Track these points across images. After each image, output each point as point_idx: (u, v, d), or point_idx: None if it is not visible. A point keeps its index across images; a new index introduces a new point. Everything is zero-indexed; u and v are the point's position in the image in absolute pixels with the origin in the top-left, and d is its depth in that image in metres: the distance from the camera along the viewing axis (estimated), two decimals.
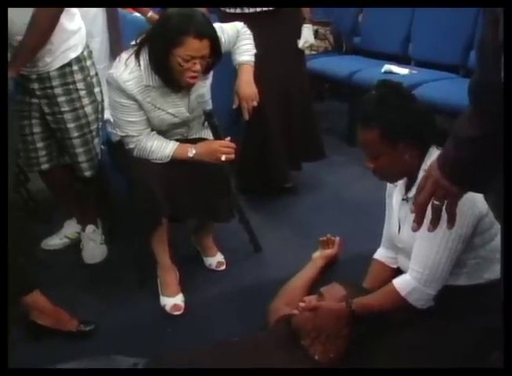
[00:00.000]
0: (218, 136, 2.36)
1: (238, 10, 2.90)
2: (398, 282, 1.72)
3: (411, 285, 1.68)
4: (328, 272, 2.36)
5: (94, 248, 2.76)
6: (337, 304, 1.79)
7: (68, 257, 2.78)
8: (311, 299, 1.87)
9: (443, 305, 1.69)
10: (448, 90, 3.28)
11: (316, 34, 4.23)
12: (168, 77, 2.21)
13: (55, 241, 2.87)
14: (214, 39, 2.19)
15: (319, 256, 2.36)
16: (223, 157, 2.28)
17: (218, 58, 2.27)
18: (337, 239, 2.44)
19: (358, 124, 1.70)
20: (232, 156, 2.30)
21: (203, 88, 2.37)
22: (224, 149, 2.29)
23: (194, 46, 2.12)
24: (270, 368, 1.71)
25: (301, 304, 1.85)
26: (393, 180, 1.82)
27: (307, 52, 3.38)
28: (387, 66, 3.77)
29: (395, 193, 1.86)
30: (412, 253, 1.71)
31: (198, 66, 2.17)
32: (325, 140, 3.39)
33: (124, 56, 2.26)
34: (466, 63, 3.64)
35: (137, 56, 2.22)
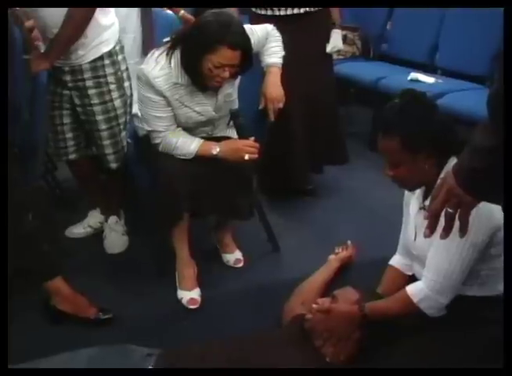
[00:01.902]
0: (242, 136, 2.39)
1: (269, 12, 2.93)
2: (411, 289, 1.72)
3: (423, 292, 1.68)
4: (343, 277, 2.38)
5: (116, 239, 2.82)
6: (349, 307, 1.81)
7: (90, 246, 2.84)
8: (325, 301, 1.89)
9: (455, 315, 1.69)
10: (473, 101, 3.26)
11: (345, 39, 4.23)
12: (197, 78, 2.25)
13: (78, 230, 2.93)
14: (246, 50, 2.22)
15: (334, 258, 2.39)
16: (246, 156, 2.31)
17: (248, 67, 2.30)
18: (349, 242, 2.48)
19: (380, 132, 1.71)
20: (256, 155, 2.33)
21: (231, 88, 2.41)
22: (247, 148, 2.32)
23: (227, 55, 2.16)
24: (279, 366, 1.73)
25: (314, 305, 1.87)
26: (412, 188, 1.82)
27: (334, 56, 3.40)
28: (414, 74, 3.76)
29: (413, 200, 1.86)
30: (427, 260, 1.71)
31: (227, 74, 2.21)
32: (348, 145, 3.39)
33: (156, 52, 2.29)
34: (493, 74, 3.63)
35: (169, 53, 2.26)
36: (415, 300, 1.69)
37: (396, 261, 2.03)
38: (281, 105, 2.49)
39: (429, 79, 3.73)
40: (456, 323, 1.71)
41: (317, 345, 1.83)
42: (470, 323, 1.71)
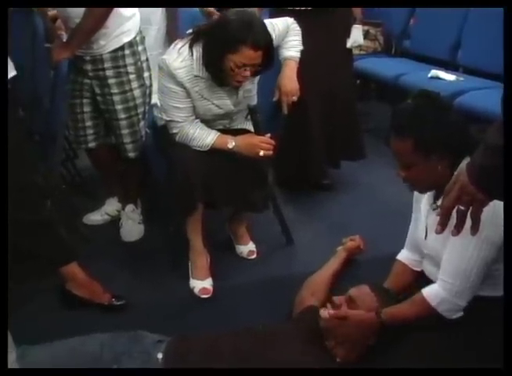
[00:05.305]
0: (258, 132, 2.41)
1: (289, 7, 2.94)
2: (428, 292, 1.70)
3: (441, 296, 1.67)
4: (357, 271, 2.38)
5: (132, 227, 2.85)
6: (366, 314, 1.77)
7: (107, 233, 2.88)
8: (341, 300, 1.86)
9: (465, 315, 1.68)
10: (495, 99, 3.19)
11: (367, 34, 4.23)
12: (218, 76, 2.26)
13: (96, 217, 2.98)
14: (268, 50, 2.22)
15: (341, 248, 2.41)
16: (261, 153, 2.33)
17: (270, 66, 2.30)
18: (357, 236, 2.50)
19: (392, 133, 1.69)
20: (271, 152, 2.35)
21: (251, 84, 2.42)
22: (263, 145, 2.34)
23: (249, 55, 2.16)
24: (287, 359, 1.75)
25: (331, 311, 1.82)
26: (423, 190, 1.80)
27: (356, 51, 3.39)
28: (434, 72, 3.74)
29: (424, 199, 1.85)
30: (442, 262, 1.69)
31: (248, 73, 2.22)
32: (366, 140, 3.39)
33: (179, 43, 2.30)
34: None
35: (191, 46, 2.26)
36: (433, 304, 1.68)
37: (404, 256, 2.02)
38: (295, 98, 2.49)
39: (450, 77, 3.70)
40: (466, 323, 1.69)
41: (329, 346, 1.82)
42: (480, 323, 1.69)
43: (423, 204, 1.86)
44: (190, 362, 1.78)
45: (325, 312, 1.84)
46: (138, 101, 2.60)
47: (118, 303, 2.31)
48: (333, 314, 1.81)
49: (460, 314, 1.68)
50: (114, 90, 2.53)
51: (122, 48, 2.48)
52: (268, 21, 2.36)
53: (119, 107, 2.57)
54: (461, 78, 3.73)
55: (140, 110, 2.63)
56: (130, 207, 2.89)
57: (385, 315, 1.75)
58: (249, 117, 2.47)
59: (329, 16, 2.95)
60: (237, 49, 2.15)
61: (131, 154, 2.70)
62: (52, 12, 2.51)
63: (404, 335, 1.75)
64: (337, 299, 1.87)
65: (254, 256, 2.69)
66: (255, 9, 3.12)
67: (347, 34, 3.13)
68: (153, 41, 3.05)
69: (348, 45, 3.13)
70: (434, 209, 1.77)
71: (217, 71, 2.25)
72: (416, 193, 1.93)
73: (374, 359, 1.78)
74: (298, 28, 2.52)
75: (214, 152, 2.35)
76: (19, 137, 1.92)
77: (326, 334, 1.82)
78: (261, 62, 2.22)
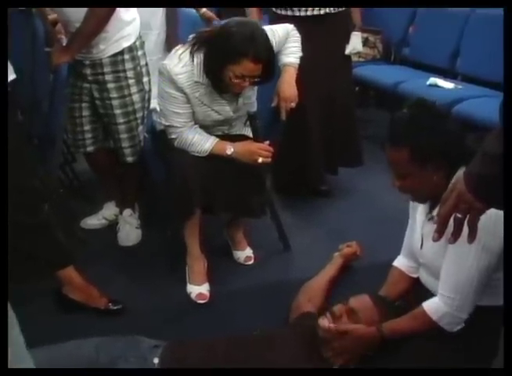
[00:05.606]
0: (257, 138, 2.42)
1: (289, 13, 2.94)
2: (429, 306, 1.69)
3: (442, 310, 1.66)
4: (354, 278, 2.40)
5: (129, 231, 2.85)
6: (367, 329, 1.77)
7: (104, 237, 2.88)
8: (341, 311, 1.84)
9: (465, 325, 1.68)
10: (493, 107, 3.21)
11: (366, 41, 4.25)
12: (217, 84, 2.28)
13: (93, 221, 2.97)
14: (269, 63, 2.24)
15: (337, 254, 2.41)
16: (260, 160, 2.34)
17: (269, 79, 2.31)
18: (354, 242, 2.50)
19: (387, 142, 1.67)
20: (269, 159, 2.36)
21: (251, 90, 2.43)
22: (262, 152, 2.35)
23: (249, 68, 2.17)
24: (284, 364, 1.75)
25: (332, 325, 1.79)
26: (419, 200, 1.79)
27: (355, 58, 3.39)
28: (433, 79, 3.75)
29: (420, 208, 1.83)
30: (441, 274, 1.68)
31: (247, 84, 2.24)
32: (364, 147, 3.40)
33: (181, 49, 2.30)
34: None
35: (192, 52, 2.27)
36: (434, 318, 1.67)
37: (400, 262, 2.01)
38: (293, 105, 2.50)
39: (448, 84, 3.71)
40: (465, 332, 1.68)
41: (326, 356, 1.81)
42: (479, 333, 1.69)
43: (418, 214, 1.85)
44: (187, 367, 1.78)
45: (324, 322, 1.83)
46: (137, 106, 2.60)
47: (115, 308, 2.31)
48: (334, 328, 1.79)
49: (461, 326, 1.67)
50: (113, 94, 2.53)
51: (122, 52, 2.49)
52: (268, 28, 2.37)
53: (118, 112, 2.57)
54: (460, 86, 3.74)
55: (139, 114, 2.64)
56: (128, 211, 2.89)
57: (386, 329, 1.75)
58: (248, 123, 2.48)
59: (328, 23, 2.96)
60: (238, 62, 2.16)
61: (130, 159, 2.71)
62: (52, 16, 2.52)
63: (403, 342, 1.74)
64: (337, 309, 1.85)
65: (251, 262, 2.68)
66: (254, 13, 3.15)
67: (347, 40, 3.14)
68: (153, 46, 3.06)
69: (347, 51, 3.14)
70: (429, 219, 1.76)
71: (216, 80, 2.26)
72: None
73: (372, 363, 1.78)
74: (298, 35, 2.53)
75: (213, 158, 2.35)
76: (18, 140, 1.91)
77: (325, 345, 1.81)
78: (260, 74, 2.24)
